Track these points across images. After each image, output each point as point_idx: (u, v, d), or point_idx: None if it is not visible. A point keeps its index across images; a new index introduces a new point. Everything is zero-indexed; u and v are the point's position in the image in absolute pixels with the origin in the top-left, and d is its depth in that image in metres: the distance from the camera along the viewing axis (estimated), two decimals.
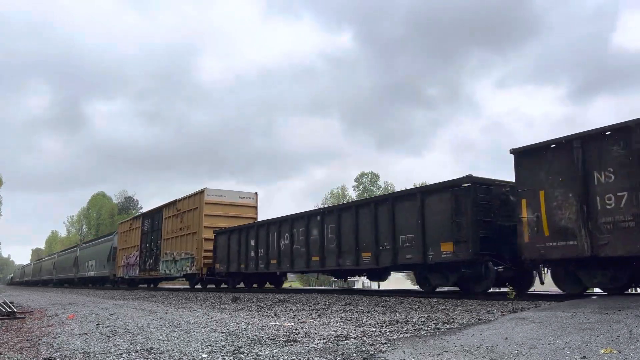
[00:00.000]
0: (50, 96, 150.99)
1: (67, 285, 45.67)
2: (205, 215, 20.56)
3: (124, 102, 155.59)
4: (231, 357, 4.75)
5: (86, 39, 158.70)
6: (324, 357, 4.52)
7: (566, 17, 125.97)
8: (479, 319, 6.40)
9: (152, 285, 30.04)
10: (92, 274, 37.51)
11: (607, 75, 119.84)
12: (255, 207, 21.61)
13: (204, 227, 20.49)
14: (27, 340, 7.32)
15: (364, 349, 4.78)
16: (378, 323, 6.66)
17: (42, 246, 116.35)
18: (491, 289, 11.82)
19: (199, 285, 22.62)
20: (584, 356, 3.92)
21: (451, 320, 6.50)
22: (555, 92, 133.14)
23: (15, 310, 12.76)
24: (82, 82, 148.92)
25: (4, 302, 12.99)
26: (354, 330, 6.10)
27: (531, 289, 11.05)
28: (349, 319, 7.42)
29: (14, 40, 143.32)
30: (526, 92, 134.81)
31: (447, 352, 4.43)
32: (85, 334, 7.35)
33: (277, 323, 7.33)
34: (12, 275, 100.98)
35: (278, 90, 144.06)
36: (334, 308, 9.44)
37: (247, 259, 17.54)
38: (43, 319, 10.85)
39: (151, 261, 25.66)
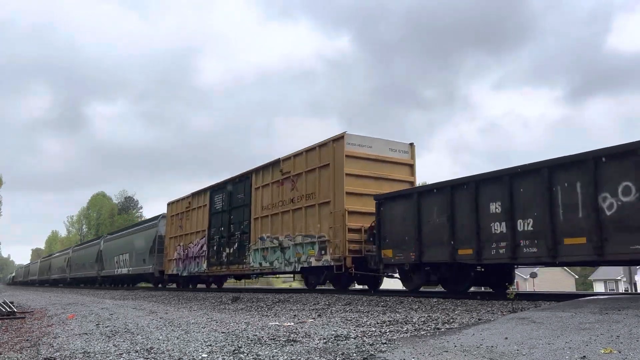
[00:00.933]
0: (51, 97, 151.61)
1: (83, 286, 39.88)
2: (346, 175, 13.41)
3: (124, 103, 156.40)
4: (231, 357, 4.74)
5: (87, 42, 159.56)
6: (324, 357, 4.52)
7: (561, 20, 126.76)
8: (479, 319, 6.40)
9: (213, 285, 22.84)
10: (124, 271, 29.76)
11: (603, 77, 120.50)
12: (412, 166, 14.70)
13: (346, 193, 13.31)
14: (27, 340, 7.33)
15: (364, 349, 4.78)
16: (378, 323, 6.66)
17: (42, 246, 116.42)
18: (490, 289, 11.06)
19: (325, 285, 15.40)
20: (584, 356, 3.92)
21: (451, 320, 6.50)
22: (552, 94, 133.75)
23: (15, 310, 12.76)
24: (82, 84, 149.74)
25: (4, 302, 12.99)
26: (354, 330, 6.10)
27: (531, 289, 10.25)
28: (349, 319, 7.42)
29: (15, 42, 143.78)
30: (522, 94, 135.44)
31: (447, 352, 4.43)
32: (85, 334, 7.35)
33: (277, 323, 7.33)
34: (13, 274, 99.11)
35: (277, 92, 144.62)
36: (334, 308, 9.44)
37: (477, 237, 9.86)
38: (43, 319, 10.85)
39: (231, 250, 18.41)
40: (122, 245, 31.23)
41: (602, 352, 4.01)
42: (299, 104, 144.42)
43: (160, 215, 26.38)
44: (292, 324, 7.16)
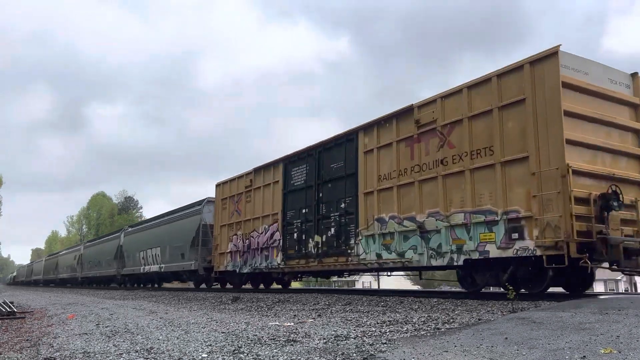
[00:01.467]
0: (51, 99, 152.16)
1: (96, 286, 36.47)
2: (565, 113, 8.55)
3: (124, 105, 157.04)
4: (231, 357, 4.75)
5: (87, 45, 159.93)
6: (324, 357, 4.52)
7: (557, 22, 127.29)
8: (479, 319, 6.40)
9: (280, 287, 18.45)
10: (155, 268, 25.28)
11: None
12: (637, 106, 9.83)
13: (566, 141, 8.46)
14: (27, 340, 7.33)
15: (364, 349, 4.78)
16: (378, 323, 6.66)
17: (42, 246, 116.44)
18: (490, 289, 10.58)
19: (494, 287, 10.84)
20: (584, 356, 3.92)
21: (451, 320, 6.50)
22: None
23: (15, 310, 12.76)
24: (83, 86, 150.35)
25: (4, 302, 12.99)
26: (354, 330, 6.10)
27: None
28: (349, 319, 7.42)
29: (16, 45, 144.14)
30: None
31: (447, 352, 4.43)
32: (85, 334, 7.35)
33: (277, 323, 7.33)
34: (14, 274, 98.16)
35: (276, 93, 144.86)
36: (334, 308, 9.44)
37: None
38: (43, 319, 10.86)
39: (324, 239, 13.68)
40: (150, 238, 26.45)
41: (602, 352, 4.01)
42: (298, 105, 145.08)
43: (204, 199, 21.39)
44: (292, 324, 7.16)
